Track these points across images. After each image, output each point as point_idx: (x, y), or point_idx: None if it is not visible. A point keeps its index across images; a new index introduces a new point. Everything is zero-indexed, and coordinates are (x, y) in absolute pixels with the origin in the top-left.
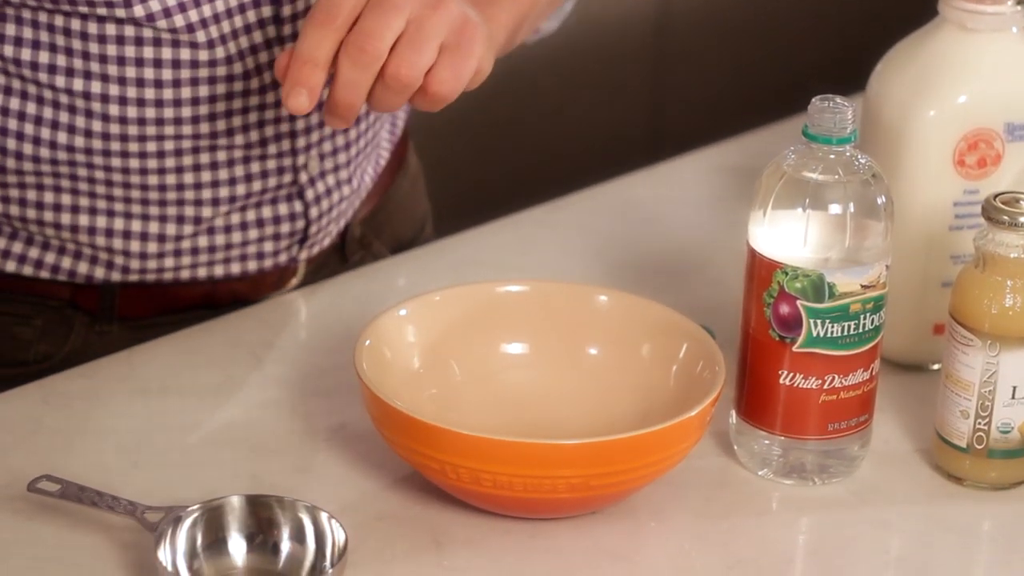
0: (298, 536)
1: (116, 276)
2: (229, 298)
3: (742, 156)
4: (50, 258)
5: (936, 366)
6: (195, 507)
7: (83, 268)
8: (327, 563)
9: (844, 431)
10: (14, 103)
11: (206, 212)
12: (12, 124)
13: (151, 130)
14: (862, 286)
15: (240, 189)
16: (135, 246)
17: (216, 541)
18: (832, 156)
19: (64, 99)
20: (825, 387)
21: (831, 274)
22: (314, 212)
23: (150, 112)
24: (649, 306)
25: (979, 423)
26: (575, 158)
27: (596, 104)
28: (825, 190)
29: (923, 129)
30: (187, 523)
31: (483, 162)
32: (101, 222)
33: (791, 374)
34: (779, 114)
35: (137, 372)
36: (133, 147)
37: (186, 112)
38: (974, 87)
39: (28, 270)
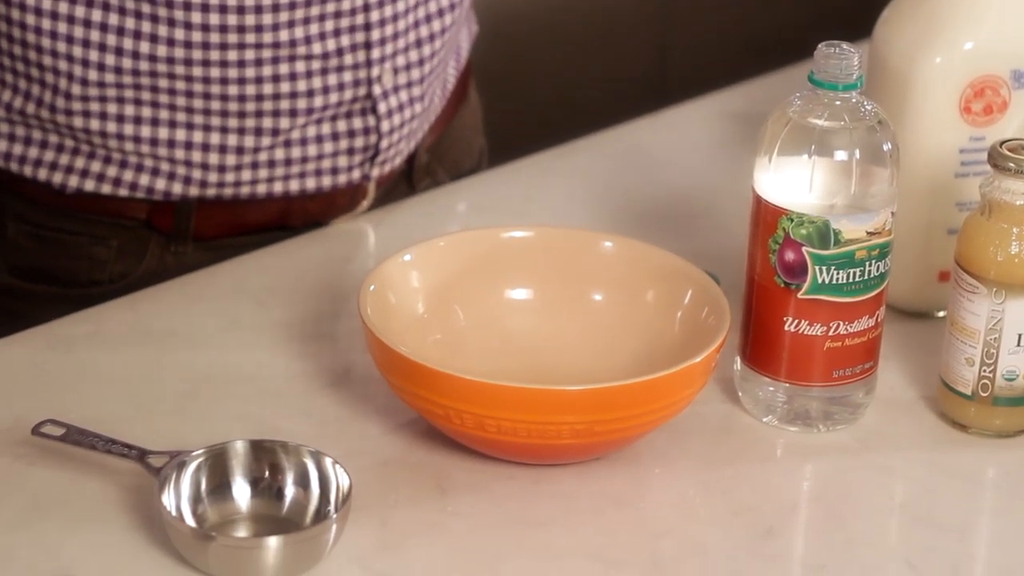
0: (302, 481)
1: (194, 191)
2: (302, 219)
3: (748, 102)
4: (128, 175)
5: (941, 313)
6: (199, 452)
7: (161, 184)
8: (331, 508)
9: (849, 378)
10: (96, 15)
11: (284, 124)
12: (94, 35)
13: (232, 38)
14: (868, 233)
15: (317, 101)
16: (213, 158)
17: (220, 486)
18: (838, 102)
19: (146, 8)
20: (830, 334)
21: (836, 220)
22: (385, 126)
23: (232, 19)
24: (654, 252)
25: (984, 370)
26: (580, 104)
27: (601, 50)
28: (831, 136)
29: (929, 76)
30: (191, 468)
31: (488, 108)
32: (180, 135)
33: (796, 321)
34: (785, 60)
35: (141, 317)
36: (214, 55)
37: (267, 19)
38: (981, 34)
39: (107, 188)
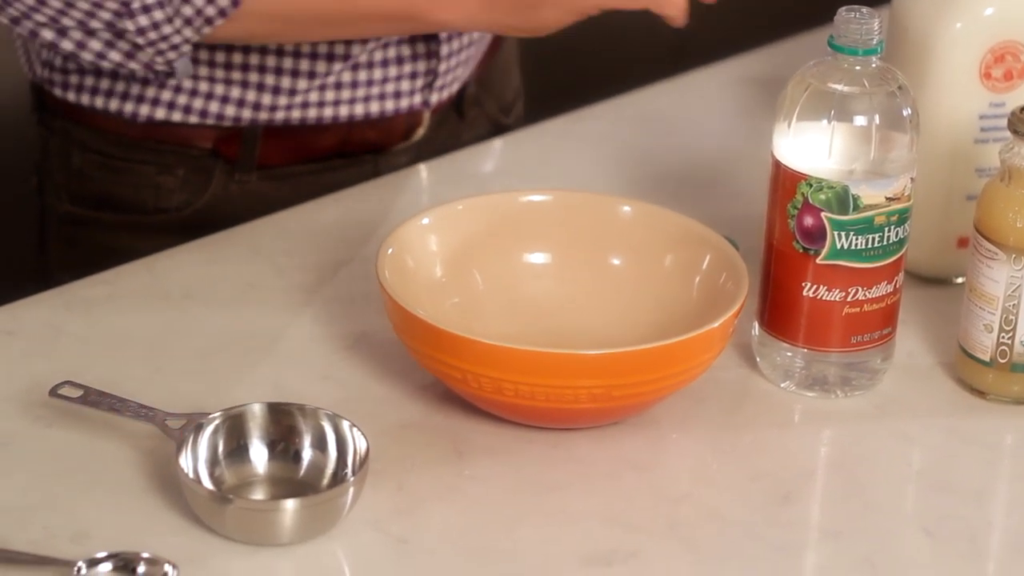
0: (319, 444)
1: (263, 116)
2: (361, 147)
3: (767, 67)
4: (198, 103)
5: (960, 279)
6: (216, 414)
7: (230, 110)
8: (348, 471)
9: (867, 344)
10: None
11: (355, 49)
12: None
13: None
14: (887, 198)
15: None
16: (285, 82)
17: (237, 448)
18: (858, 67)
19: None
20: (848, 299)
21: (856, 186)
22: (444, 50)
23: None
24: (672, 217)
25: (1003, 337)
26: (597, 68)
27: (618, 13)
28: (850, 101)
29: (949, 41)
30: (208, 430)
31: None
32: (254, 59)
33: (814, 286)
34: (805, 25)
35: (159, 279)
36: None
37: None
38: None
39: (177, 116)
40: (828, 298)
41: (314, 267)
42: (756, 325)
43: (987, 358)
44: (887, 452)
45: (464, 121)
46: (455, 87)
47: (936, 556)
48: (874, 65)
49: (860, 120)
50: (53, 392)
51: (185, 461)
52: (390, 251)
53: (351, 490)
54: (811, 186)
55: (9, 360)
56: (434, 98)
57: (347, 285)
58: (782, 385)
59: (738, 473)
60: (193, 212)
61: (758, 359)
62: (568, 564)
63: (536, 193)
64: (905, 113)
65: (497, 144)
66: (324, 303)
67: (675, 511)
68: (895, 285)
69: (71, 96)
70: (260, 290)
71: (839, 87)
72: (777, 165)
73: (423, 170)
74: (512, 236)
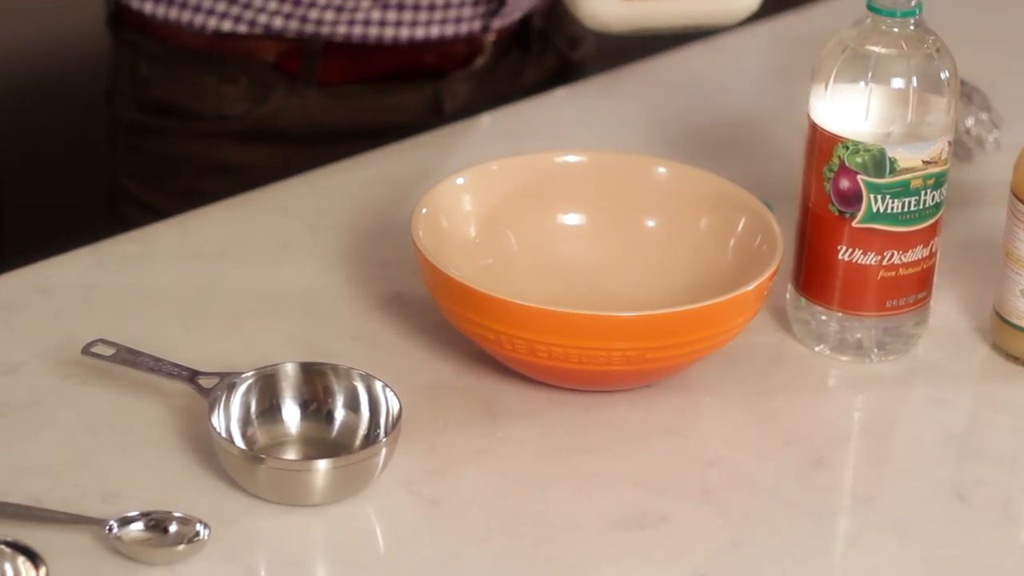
0: (352, 404)
1: (324, 31)
2: (419, 71)
3: (804, 28)
4: (263, 18)
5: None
6: (249, 373)
7: (293, 24)
8: (381, 431)
9: (902, 308)
10: None
11: None
12: None
13: None
14: (923, 162)
15: None
16: (350, 1)
17: (270, 408)
18: (896, 29)
19: None
20: (884, 263)
21: (892, 149)
22: None
23: None
24: (708, 178)
25: None
26: None
27: None
28: (888, 64)
29: None
30: (241, 389)
31: None
32: None
33: (850, 249)
34: None
35: (192, 238)
36: None
37: None
38: None
39: (242, 28)
40: (863, 262)
41: (348, 227)
42: (790, 288)
43: (1023, 324)
44: (921, 417)
45: (529, 54)
46: (516, 15)
47: (969, 522)
48: (912, 27)
49: (898, 83)
50: (85, 350)
51: (217, 420)
52: (424, 211)
53: (383, 451)
54: (847, 149)
55: (42, 318)
56: (496, 24)
57: (381, 245)
58: (816, 349)
59: (770, 437)
60: (253, 121)
61: (792, 323)
62: (599, 527)
63: (571, 154)
64: (943, 76)
65: (532, 104)
66: (357, 263)
67: (707, 475)
68: (931, 249)
69: (134, 4)
70: (294, 249)
71: (877, 49)
72: (813, 127)
73: (457, 130)
74: (546, 197)
